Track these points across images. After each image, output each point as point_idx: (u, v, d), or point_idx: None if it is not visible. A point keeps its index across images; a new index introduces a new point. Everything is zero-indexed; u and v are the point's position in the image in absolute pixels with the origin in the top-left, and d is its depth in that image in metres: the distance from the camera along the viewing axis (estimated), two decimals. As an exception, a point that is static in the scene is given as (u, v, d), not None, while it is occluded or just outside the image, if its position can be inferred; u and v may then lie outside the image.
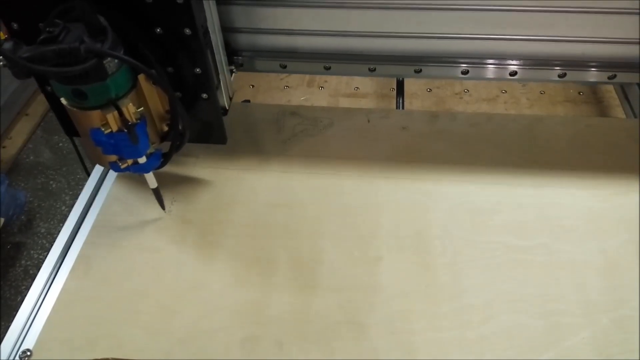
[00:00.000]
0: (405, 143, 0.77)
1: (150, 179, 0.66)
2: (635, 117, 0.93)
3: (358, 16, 0.69)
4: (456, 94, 0.92)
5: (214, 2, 0.65)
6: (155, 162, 0.64)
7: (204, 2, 0.61)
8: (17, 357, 0.57)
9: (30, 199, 1.78)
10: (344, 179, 0.73)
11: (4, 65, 0.50)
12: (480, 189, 0.71)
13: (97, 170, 0.77)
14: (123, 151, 0.58)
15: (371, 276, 0.63)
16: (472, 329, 0.58)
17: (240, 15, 0.71)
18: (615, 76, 0.71)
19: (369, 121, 0.80)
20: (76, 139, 0.75)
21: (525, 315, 0.59)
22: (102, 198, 0.73)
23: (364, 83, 0.96)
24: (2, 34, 0.53)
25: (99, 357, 0.56)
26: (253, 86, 1.06)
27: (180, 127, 0.63)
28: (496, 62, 0.72)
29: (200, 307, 0.61)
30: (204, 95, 0.67)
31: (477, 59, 0.72)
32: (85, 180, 0.78)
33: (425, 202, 0.70)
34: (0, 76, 1.97)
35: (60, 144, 1.97)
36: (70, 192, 1.78)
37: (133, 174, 0.67)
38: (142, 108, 0.57)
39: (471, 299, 0.61)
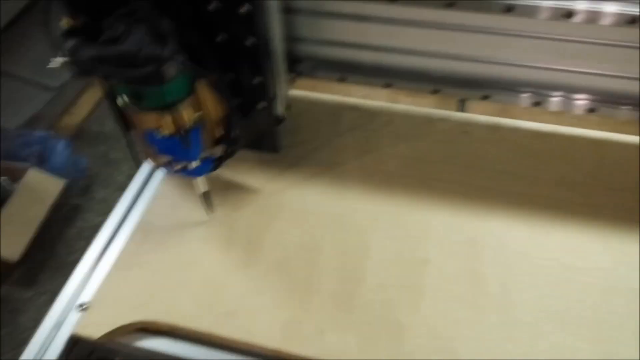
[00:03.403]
0: (464, 148, 0.76)
1: (201, 183, 0.65)
2: None
3: (427, 35, 0.66)
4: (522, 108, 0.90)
5: (279, 12, 0.64)
6: (207, 167, 0.64)
7: (269, 12, 0.60)
8: (74, 308, 0.60)
9: (91, 165, 1.86)
10: (399, 177, 0.73)
11: (66, 64, 0.50)
12: (541, 203, 0.69)
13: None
14: (176, 154, 0.58)
15: (417, 277, 0.62)
16: (517, 345, 0.57)
17: (305, 26, 0.70)
18: None
19: (429, 122, 0.79)
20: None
21: (574, 338, 0.57)
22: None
23: (423, 95, 0.95)
24: (66, 21, 0.54)
25: (148, 319, 0.59)
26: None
27: (234, 135, 0.62)
28: (569, 94, 0.68)
29: (246, 284, 0.62)
30: (261, 105, 0.66)
31: (550, 90, 0.68)
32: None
33: (481, 209, 0.68)
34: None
35: (125, 116, 2.05)
36: (129, 163, 1.86)
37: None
38: (198, 114, 0.57)
39: (520, 314, 0.59)
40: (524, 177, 0.72)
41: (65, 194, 1.72)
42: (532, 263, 0.63)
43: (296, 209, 0.70)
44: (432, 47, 0.68)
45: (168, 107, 0.54)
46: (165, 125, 0.54)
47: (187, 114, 0.55)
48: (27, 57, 2.02)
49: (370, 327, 0.58)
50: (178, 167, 0.60)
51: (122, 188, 0.75)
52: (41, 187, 1.64)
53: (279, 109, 0.70)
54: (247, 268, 0.64)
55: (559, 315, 0.59)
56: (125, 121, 0.64)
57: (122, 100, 0.54)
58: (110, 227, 0.70)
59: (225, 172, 0.73)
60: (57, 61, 0.51)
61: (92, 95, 2.08)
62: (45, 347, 0.59)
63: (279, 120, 0.71)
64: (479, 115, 0.81)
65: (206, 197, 0.67)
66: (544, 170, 0.73)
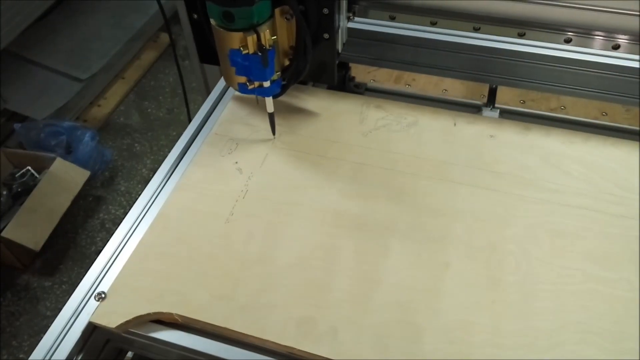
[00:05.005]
0: (491, 152, 0.74)
1: (269, 102, 0.74)
2: None
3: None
4: (551, 110, 0.88)
5: None
6: (276, 89, 0.73)
7: None
8: (92, 297, 0.61)
9: (115, 157, 1.89)
10: (422, 179, 0.72)
11: None
12: (566, 211, 0.67)
13: (188, 133, 0.81)
14: (253, 73, 0.68)
15: (436, 281, 0.62)
16: (535, 353, 0.55)
17: None
18: None
19: (455, 124, 0.78)
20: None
21: (595, 349, 0.56)
22: (186, 163, 0.77)
23: (454, 86, 0.93)
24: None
25: (165, 311, 0.59)
26: (340, 76, 1.06)
27: (300, 63, 0.72)
28: (603, 34, 0.74)
29: (263, 280, 0.62)
30: (326, 36, 0.73)
31: (584, 30, 0.75)
32: (168, 147, 0.82)
33: (504, 215, 0.67)
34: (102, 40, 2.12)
35: (149, 110, 2.09)
36: (152, 157, 1.88)
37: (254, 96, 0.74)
38: (274, 37, 0.67)
39: (539, 322, 0.58)
40: (551, 184, 0.70)
41: (89, 185, 1.75)
42: (553, 271, 0.62)
43: (316, 208, 0.69)
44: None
45: (253, 27, 0.64)
46: (249, 43, 0.64)
47: (267, 36, 0.65)
48: (57, 49, 2.07)
49: (385, 328, 0.58)
50: (252, 86, 0.70)
51: (145, 181, 0.76)
52: (66, 177, 1.67)
53: (339, 43, 0.77)
54: (265, 264, 0.63)
55: (580, 325, 0.57)
56: (206, 53, 0.76)
57: (214, 22, 0.65)
58: (131, 219, 0.71)
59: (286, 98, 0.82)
60: None
61: (120, 88, 2.11)
62: (64, 333, 0.59)
63: (338, 54, 0.78)
64: (507, 119, 0.79)
65: (271, 118, 0.76)
66: (571, 177, 0.71)
